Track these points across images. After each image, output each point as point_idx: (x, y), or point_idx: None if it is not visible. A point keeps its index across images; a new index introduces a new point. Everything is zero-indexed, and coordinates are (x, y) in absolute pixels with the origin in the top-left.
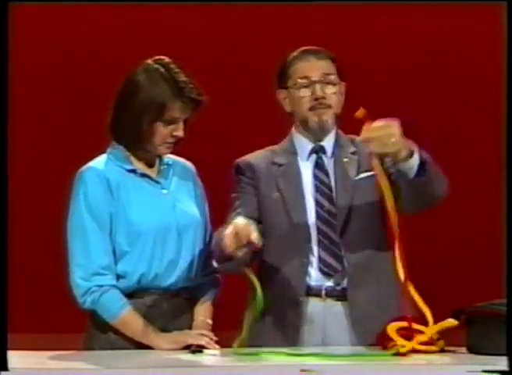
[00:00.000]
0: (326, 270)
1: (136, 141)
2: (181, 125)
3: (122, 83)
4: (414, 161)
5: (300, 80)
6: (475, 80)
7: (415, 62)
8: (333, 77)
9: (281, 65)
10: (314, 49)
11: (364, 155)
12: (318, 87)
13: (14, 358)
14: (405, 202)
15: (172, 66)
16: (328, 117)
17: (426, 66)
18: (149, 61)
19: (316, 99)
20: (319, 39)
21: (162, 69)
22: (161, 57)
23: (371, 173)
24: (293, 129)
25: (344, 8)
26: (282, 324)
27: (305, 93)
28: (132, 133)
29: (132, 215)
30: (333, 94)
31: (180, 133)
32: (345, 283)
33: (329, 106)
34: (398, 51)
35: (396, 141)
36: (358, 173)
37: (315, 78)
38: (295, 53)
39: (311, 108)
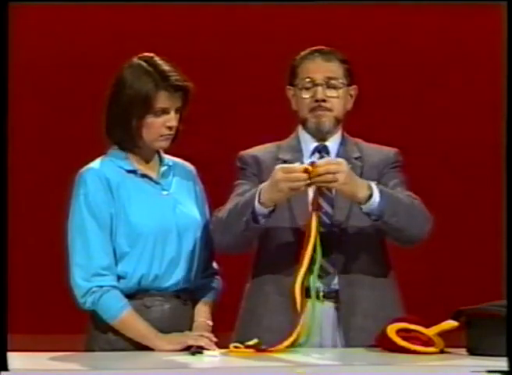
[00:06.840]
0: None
1: (128, 138)
2: (173, 115)
3: (110, 85)
4: (372, 205)
5: (303, 81)
6: (475, 80)
7: (415, 61)
8: (337, 81)
9: (291, 62)
10: (324, 50)
11: (367, 162)
12: (319, 89)
13: (14, 359)
14: (389, 239)
15: (155, 58)
16: (327, 120)
17: (426, 65)
18: (133, 58)
19: (317, 101)
20: (319, 39)
21: (144, 64)
22: (146, 54)
23: (373, 182)
24: (299, 126)
25: (344, 8)
26: (279, 325)
27: (307, 94)
28: (123, 131)
29: (132, 216)
30: (335, 97)
31: (173, 123)
32: (340, 285)
33: (329, 109)
34: (398, 51)
35: (341, 178)
36: None
37: (318, 80)
38: (305, 52)
39: (311, 110)
